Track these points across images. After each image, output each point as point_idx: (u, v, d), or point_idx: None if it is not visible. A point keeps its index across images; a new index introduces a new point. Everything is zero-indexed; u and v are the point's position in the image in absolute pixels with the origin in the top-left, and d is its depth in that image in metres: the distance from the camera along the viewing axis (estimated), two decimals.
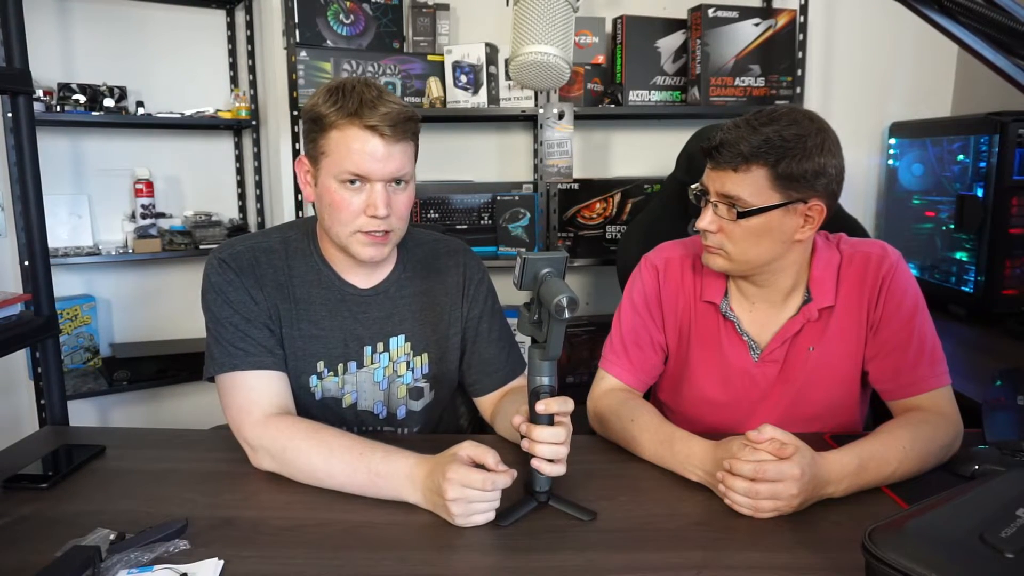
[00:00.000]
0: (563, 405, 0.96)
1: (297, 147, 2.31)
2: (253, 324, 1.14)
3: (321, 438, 1.04)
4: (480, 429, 1.44)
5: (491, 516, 0.94)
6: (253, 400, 1.10)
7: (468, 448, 0.95)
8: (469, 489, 0.91)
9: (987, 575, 0.68)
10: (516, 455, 1.15)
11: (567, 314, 0.88)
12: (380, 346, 1.23)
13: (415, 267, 1.28)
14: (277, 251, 1.20)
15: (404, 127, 1.08)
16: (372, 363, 1.23)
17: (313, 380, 1.20)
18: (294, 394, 1.18)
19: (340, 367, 1.21)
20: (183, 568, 0.84)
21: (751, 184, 1.09)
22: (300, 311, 1.19)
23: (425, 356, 1.27)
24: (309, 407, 1.21)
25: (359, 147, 1.07)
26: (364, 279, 1.23)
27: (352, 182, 1.09)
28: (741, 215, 1.11)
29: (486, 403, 1.31)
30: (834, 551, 0.87)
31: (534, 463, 0.96)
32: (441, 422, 1.38)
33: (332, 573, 0.85)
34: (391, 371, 1.25)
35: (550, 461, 0.95)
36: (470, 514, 0.93)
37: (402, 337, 1.25)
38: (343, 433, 1.07)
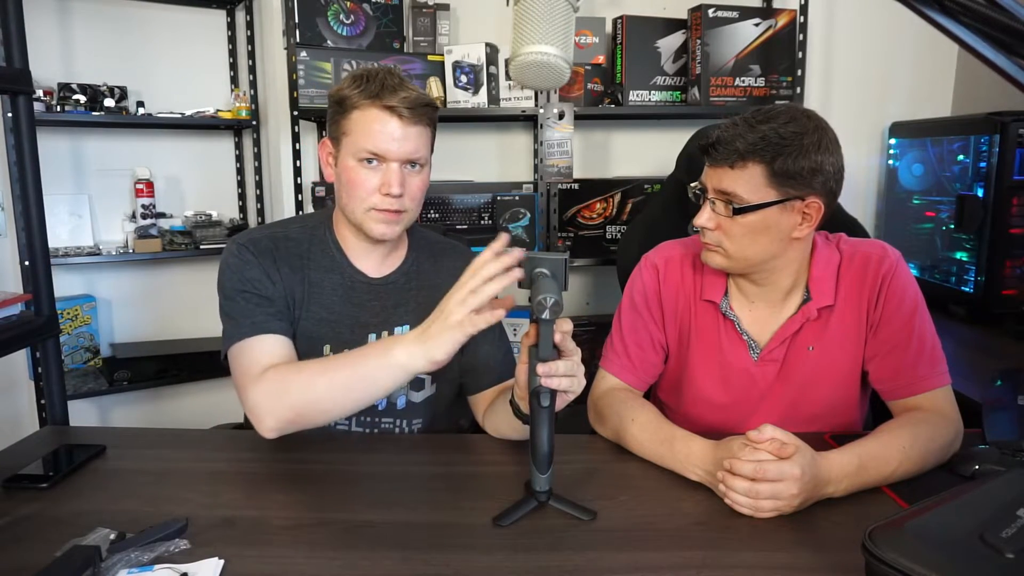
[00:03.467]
0: (567, 326, 0.95)
1: (297, 147, 2.31)
2: (266, 298, 1.17)
3: (318, 361, 1.08)
4: (480, 430, 1.44)
5: (481, 299, 0.92)
6: (256, 360, 1.11)
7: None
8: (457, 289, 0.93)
9: (987, 575, 0.68)
10: (513, 455, 1.15)
11: (547, 315, 0.89)
12: (385, 334, 1.25)
13: (425, 262, 1.31)
14: (295, 238, 1.25)
15: (422, 111, 1.14)
16: None
17: None
18: None
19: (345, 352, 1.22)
20: (183, 568, 0.84)
21: (747, 181, 1.10)
22: (313, 294, 1.22)
23: None
24: None
25: (377, 127, 1.12)
26: (375, 268, 1.26)
27: (369, 161, 1.14)
28: (737, 211, 1.11)
29: (479, 401, 1.31)
30: (834, 551, 0.87)
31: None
32: (445, 424, 1.38)
33: (332, 573, 0.85)
34: None
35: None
36: (464, 308, 0.92)
37: (407, 327, 1.26)
38: None
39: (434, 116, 1.18)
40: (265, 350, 1.12)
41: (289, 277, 1.20)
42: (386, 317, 1.26)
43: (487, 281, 0.92)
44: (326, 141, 1.21)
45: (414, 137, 1.15)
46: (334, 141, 1.18)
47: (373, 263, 1.26)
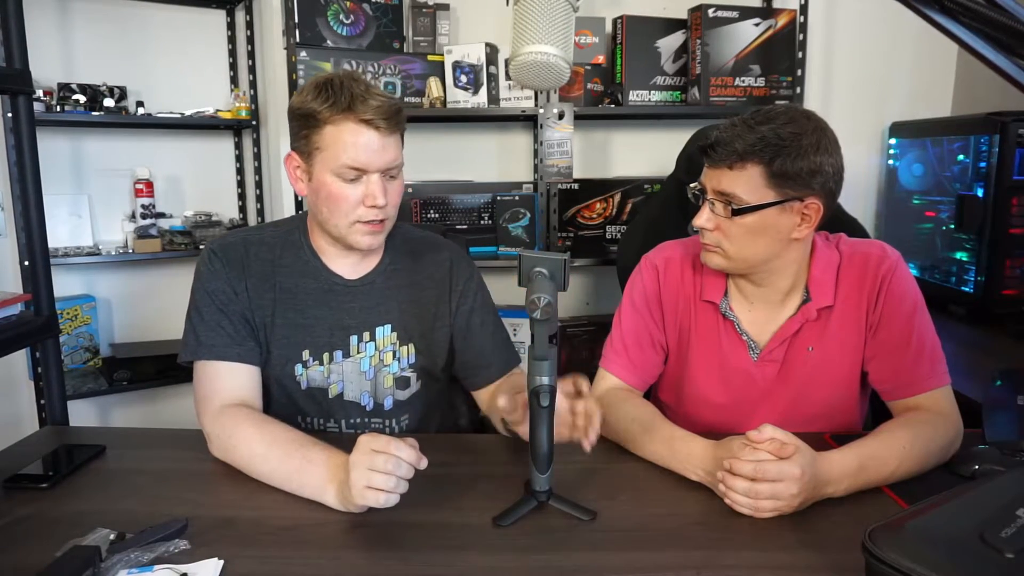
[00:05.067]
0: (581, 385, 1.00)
1: None
2: (228, 316, 1.18)
3: (268, 428, 1.08)
4: (480, 430, 1.44)
5: (390, 499, 0.89)
6: (215, 390, 1.15)
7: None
8: (376, 454, 0.89)
9: (987, 575, 0.68)
10: (513, 455, 1.15)
11: (539, 315, 0.90)
12: (367, 335, 1.25)
13: (402, 259, 1.30)
14: (268, 243, 1.24)
15: (396, 119, 1.12)
16: (358, 352, 1.25)
17: (299, 369, 1.22)
18: (281, 384, 1.22)
19: (326, 356, 1.23)
20: (183, 568, 0.84)
21: (746, 182, 1.10)
22: (286, 300, 1.22)
23: (411, 346, 1.28)
24: (296, 397, 1.24)
25: (355, 140, 1.10)
26: (351, 270, 1.25)
27: (350, 176, 1.12)
28: (736, 212, 1.11)
29: (483, 396, 1.32)
30: (834, 551, 0.87)
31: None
32: (438, 422, 1.38)
33: (332, 573, 0.85)
34: (377, 360, 1.26)
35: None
36: (367, 482, 0.88)
37: (388, 327, 1.26)
38: (291, 428, 1.09)
39: (405, 120, 1.16)
40: (224, 381, 1.15)
41: (257, 286, 1.20)
42: (366, 318, 1.25)
43: (393, 475, 0.88)
44: (293, 155, 1.16)
45: (391, 146, 1.13)
46: (303, 155, 1.14)
47: (349, 265, 1.25)
